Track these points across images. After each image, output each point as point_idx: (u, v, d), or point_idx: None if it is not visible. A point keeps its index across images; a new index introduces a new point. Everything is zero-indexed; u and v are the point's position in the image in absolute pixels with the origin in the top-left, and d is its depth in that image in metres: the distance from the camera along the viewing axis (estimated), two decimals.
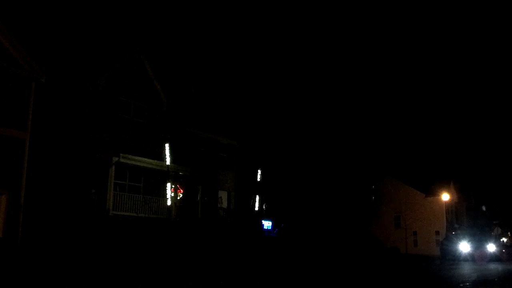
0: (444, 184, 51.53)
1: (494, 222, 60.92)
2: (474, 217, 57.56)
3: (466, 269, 26.07)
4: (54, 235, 19.49)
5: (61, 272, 15.87)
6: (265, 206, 32.67)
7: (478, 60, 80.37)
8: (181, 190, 28.51)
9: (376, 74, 74.58)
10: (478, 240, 36.39)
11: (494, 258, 36.10)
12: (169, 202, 26.37)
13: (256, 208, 32.19)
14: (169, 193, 26.48)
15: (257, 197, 32.20)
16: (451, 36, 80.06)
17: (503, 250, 40.70)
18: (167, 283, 14.60)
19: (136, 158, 24.98)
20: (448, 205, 51.92)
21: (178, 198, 28.10)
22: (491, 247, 37.63)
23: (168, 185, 26.41)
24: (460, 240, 36.88)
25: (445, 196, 48.31)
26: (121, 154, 23.91)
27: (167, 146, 26.32)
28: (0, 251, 15.57)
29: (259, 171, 32.82)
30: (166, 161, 26.33)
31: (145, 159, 25.50)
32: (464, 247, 35.76)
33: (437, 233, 50.12)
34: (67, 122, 24.37)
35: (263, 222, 31.61)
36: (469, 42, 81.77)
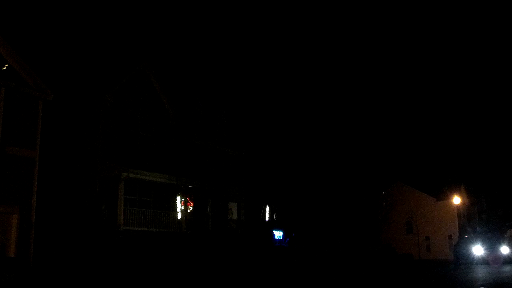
0: (455, 187, 51.20)
1: (507, 224, 60.39)
2: (487, 220, 57.10)
3: (481, 273, 25.83)
4: (66, 253, 19.55)
5: None
6: (275, 216, 32.62)
7: (488, 63, 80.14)
8: (191, 203, 28.53)
9: (385, 79, 74.50)
10: (492, 243, 36.03)
11: (508, 260, 35.72)
12: (179, 216, 26.39)
13: (267, 219, 32.16)
14: (179, 206, 26.51)
15: (267, 207, 32.18)
16: (464, 38, 79.93)
17: None
18: None
19: (145, 172, 25.04)
20: (459, 208, 51.55)
21: (188, 211, 28.11)
22: (505, 250, 37.25)
23: (178, 198, 26.44)
24: (473, 243, 36.53)
25: (457, 200, 47.98)
26: (130, 169, 23.97)
27: (175, 159, 26.41)
28: (13, 271, 15.61)
29: (268, 181, 32.80)
30: (175, 174, 26.38)
31: (155, 173, 25.56)
32: (478, 250, 35.42)
33: (450, 237, 49.75)
34: (76, 139, 24.50)
35: (274, 232, 31.56)
36: (481, 45, 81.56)
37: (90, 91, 25.26)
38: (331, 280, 21.57)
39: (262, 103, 37.76)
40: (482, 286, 18.45)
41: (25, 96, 18.81)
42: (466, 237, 40.71)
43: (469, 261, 34.28)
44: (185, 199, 27.66)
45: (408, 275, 25.47)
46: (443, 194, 50.88)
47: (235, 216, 32.83)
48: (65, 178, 23.58)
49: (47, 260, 18.46)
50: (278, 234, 31.60)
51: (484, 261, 34.07)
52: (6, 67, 18.22)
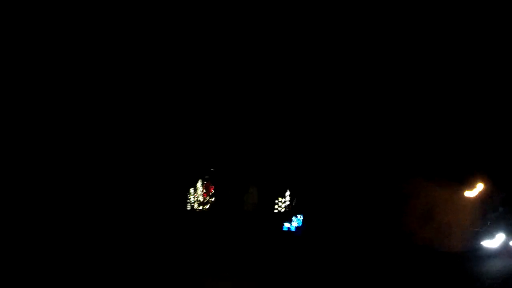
0: (477, 177, 50.61)
1: None
2: (510, 209, 56.51)
3: (498, 266, 25.74)
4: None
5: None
6: (295, 202, 32.76)
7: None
8: (212, 187, 28.87)
9: (401, 71, 73.27)
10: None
11: None
12: (200, 198, 26.75)
13: (287, 203, 32.28)
14: (200, 189, 26.87)
15: (288, 193, 32.28)
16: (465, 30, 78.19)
17: None
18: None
19: None
20: (481, 198, 51.05)
21: (210, 194, 28.45)
22: None
23: (199, 181, 26.79)
24: (495, 233, 36.29)
25: (479, 189, 47.51)
26: None
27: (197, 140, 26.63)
28: None
29: (290, 168, 32.84)
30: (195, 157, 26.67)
31: None
32: (497, 241, 35.22)
33: (469, 227, 49.38)
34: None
35: (293, 218, 31.71)
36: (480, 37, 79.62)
37: None
38: (344, 269, 21.75)
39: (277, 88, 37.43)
40: (497, 279, 18.51)
41: None
42: (486, 228, 40.40)
43: (488, 253, 34.10)
44: (206, 182, 27.98)
45: (426, 266, 25.55)
46: (464, 184, 50.38)
47: (255, 200, 33.06)
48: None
49: None
50: (296, 221, 31.73)
51: (503, 253, 33.85)
52: None
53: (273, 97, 37.26)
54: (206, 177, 28.57)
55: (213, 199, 29.15)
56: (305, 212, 33.30)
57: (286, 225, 31.59)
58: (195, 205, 27.20)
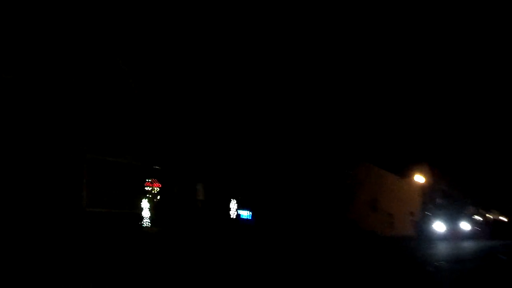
0: (418, 166, 52.24)
1: (467, 201, 62.10)
2: (448, 197, 58.60)
3: (441, 248, 26.65)
4: (26, 234, 19.28)
5: (30, 271, 15.75)
6: (242, 195, 32.84)
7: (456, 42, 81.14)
8: (158, 184, 28.46)
9: (350, 57, 74.77)
10: (452, 219, 37.21)
11: (468, 236, 36.98)
12: (145, 197, 26.33)
13: (234, 198, 32.36)
14: (144, 187, 26.43)
15: (234, 187, 32.36)
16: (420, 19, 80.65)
17: (477, 228, 41.67)
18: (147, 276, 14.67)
19: (111, 153, 24.79)
20: (422, 186, 52.73)
21: (155, 192, 28.05)
22: (465, 226, 38.50)
23: (144, 179, 26.33)
24: (435, 219, 37.60)
25: (420, 178, 49.04)
26: (94, 150, 23.70)
27: (142, 139, 26.17)
28: None
29: (235, 161, 32.90)
30: (141, 155, 26.19)
31: (120, 154, 25.33)
32: (439, 226, 36.50)
33: (412, 214, 50.89)
34: (38, 117, 23.97)
35: (240, 211, 31.81)
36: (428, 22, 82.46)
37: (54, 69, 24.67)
38: (293, 255, 21.91)
39: (222, 79, 37.37)
40: (442, 261, 19.05)
41: None
42: (428, 214, 41.81)
43: (430, 237, 35.29)
44: (151, 180, 27.57)
45: (370, 250, 26.07)
46: (406, 172, 51.86)
47: (202, 197, 32.89)
48: (25, 158, 23.12)
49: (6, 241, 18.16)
50: (244, 213, 31.87)
51: (445, 237, 35.15)
52: None
53: (220, 96, 37.21)
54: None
55: (158, 196, 28.83)
56: (252, 205, 33.53)
57: (244, 213, 31.80)
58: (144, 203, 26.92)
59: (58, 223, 20.80)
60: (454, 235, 35.27)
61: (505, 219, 55.63)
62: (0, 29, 23.54)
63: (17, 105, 22.94)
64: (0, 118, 20.15)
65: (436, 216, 38.76)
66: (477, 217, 58.02)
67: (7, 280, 13.41)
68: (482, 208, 62.73)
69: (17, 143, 22.34)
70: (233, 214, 32.33)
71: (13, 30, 24.28)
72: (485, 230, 40.37)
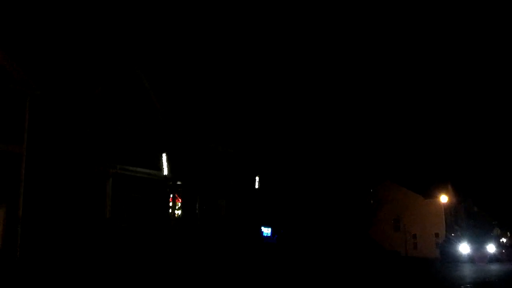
0: (442, 186, 51.62)
1: (493, 222, 60.97)
2: (473, 218, 57.67)
3: (466, 271, 26.08)
4: (54, 247, 19.48)
5: (58, 283, 15.88)
6: (264, 212, 32.68)
7: (476, 61, 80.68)
8: (180, 200, 28.51)
9: (372, 77, 74.80)
10: (478, 241, 36.45)
11: (494, 258, 36.13)
12: (167, 212, 26.39)
13: (256, 215, 32.21)
14: (167, 202, 26.50)
15: (256, 204, 32.24)
16: (448, 36, 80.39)
17: (503, 251, 40.77)
18: None
19: (134, 169, 24.98)
20: (447, 207, 51.99)
21: (177, 207, 28.09)
22: (491, 248, 37.67)
23: (166, 194, 26.43)
24: (459, 241, 36.92)
25: (444, 198, 48.36)
26: (118, 165, 23.91)
27: (164, 156, 26.36)
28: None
29: (257, 178, 32.84)
30: (163, 171, 26.34)
31: (143, 169, 25.50)
32: (464, 248, 35.78)
33: (437, 235, 50.16)
34: (63, 135, 24.35)
35: (263, 228, 31.61)
36: (467, 43, 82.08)
37: (80, 86, 25.13)
38: (317, 275, 21.69)
39: (250, 100, 37.75)
40: (468, 284, 18.62)
41: (12, 91, 18.68)
42: (453, 235, 41.15)
43: (455, 259, 34.60)
44: (174, 195, 27.64)
45: (393, 271, 25.64)
46: (430, 192, 51.27)
47: (224, 213, 32.88)
48: (53, 173, 23.44)
49: (35, 253, 18.40)
50: (266, 231, 31.66)
51: (470, 260, 34.42)
52: None
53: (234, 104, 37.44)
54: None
55: (179, 211, 28.90)
56: (273, 223, 33.34)
57: (265, 230, 31.64)
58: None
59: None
60: (480, 257, 34.49)
61: None
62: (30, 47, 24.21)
63: (45, 122, 23.42)
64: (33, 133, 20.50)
65: (461, 237, 38.04)
66: (503, 239, 56.90)
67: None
68: (509, 230, 61.47)
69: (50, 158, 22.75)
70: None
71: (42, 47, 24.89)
72: None
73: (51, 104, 24.03)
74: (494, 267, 29.31)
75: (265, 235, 31.44)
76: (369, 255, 34.41)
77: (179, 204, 28.46)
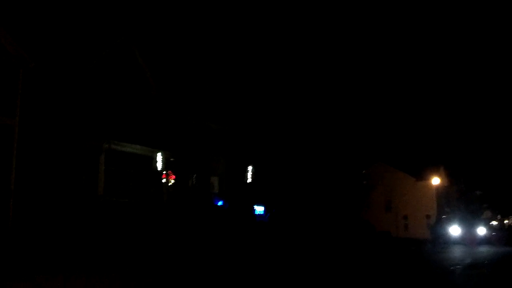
0: (434, 168, 51.78)
1: (484, 205, 61.44)
2: (465, 201, 58.01)
3: (457, 253, 26.27)
4: (46, 221, 19.43)
5: (49, 256, 15.86)
6: (256, 192, 32.72)
7: (469, 44, 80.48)
8: (173, 176, 28.45)
9: (365, 59, 74.47)
10: (469, 224, 36.70)
11: (485, 241, 36.43)
12: (161, 188, 26.37)
13: (248, 194, 32.25)
14: (160, 179, 26.44)
15: (249, 183, 32.28)
16: (441, 22, 79.96)
17: (493, 233, 41.09)
18: (157, 268, 14.63)
19: (127, 144, 24.88)
20: (438, 189, 52.24)
21: (170, 184, 28.04)
22: (481, 230, 37.96)
23: (159, 171, 26.36)
24: (450, 223, 37.13)
25: (436, 180, 48.54)
26: (111, 141, 23.79)
27: (157, 132, 26.24)
28: None
29: (250, 157, 32.82)
30: (157, 147, 26.25)
31: (136, 145, 25.40)
32: (455, 230, 36.02)
33: (428, 217, 50.49)
34: (57, 108, 24.17)
35: (255, 207, 31.66)
36: (461, 28, 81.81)
37: (72, 60, 24.87)
38: (307, 253, 21.78)
39: (243, 80, 37.56)
40: (458, 266, 18.76)
41: (5, 64, 18.44)
42: (444, 217, 41.38)
43: (446, 241, 34.84)
44: (167, 172, 27.58)
45: (384, 252, 25.79)
46: (422, 175, 51.46)
47: (216, 190, 32.91)
48: (45, 148, 23.31)
49: (27, 227, 18.36)
50: (259, 209, 31.71)
51: (461, 241, 34.67)
52: None
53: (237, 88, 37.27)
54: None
55: (172, 188, 28.85)
56: (266, 202, 33.41)
57: (258, 209, 31.70)
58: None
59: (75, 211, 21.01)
60: (470, 239, 34.77)
61: None
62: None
63: (38, 95, 23.20)
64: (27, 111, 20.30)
65: (452, 219, 38.28)
66: (494, 222, 57.41)
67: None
68: (499, 213, 62.02)
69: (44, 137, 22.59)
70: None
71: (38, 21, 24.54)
72: (502, 235, 39.74)
73: (44, 77, 23.80)
74: (484, 249, 29.56)
75: (258, 213, 31.49)
76: (361, 235, 34.58)
77: (172, 181, 28.41)
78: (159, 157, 26.41)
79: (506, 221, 62.93)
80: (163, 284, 12.49)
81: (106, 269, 14.46)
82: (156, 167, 26.49)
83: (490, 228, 45.52)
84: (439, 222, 39.32)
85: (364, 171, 45.22)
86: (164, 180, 26.69)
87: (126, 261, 16.23)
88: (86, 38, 27.07)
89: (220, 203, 30.74)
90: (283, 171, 36.78)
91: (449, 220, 38.48)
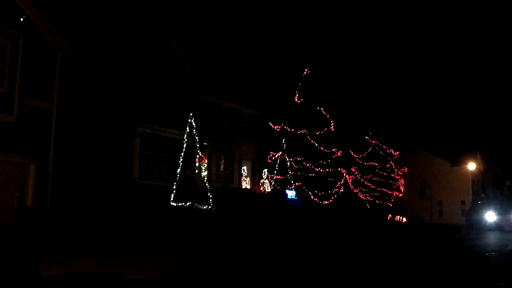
0: (470, 153, 50.83)
1: None
2: (501, 187, 56.83)
3: (492, 238, 25.90)
4: (82, 204, 19.92)
5: (86, 239, 16.31)
6: (289, 176, 32.76)
7: (503, 27, 78.17)
8: (206, 160, 28.68)
9: (401, 50, 73.26)
10: (504, 210, 35.99)
11: None
12: (193, 172, 26.61)
13: (281, 178, 32.34)
14: (194, 163, 26.68)
15: (281, 168, 32.32)
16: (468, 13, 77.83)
17: None
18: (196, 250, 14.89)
19: (161, 128, 25.15)
20: (474, 174, 51.30)
21: (203, 167, 28.29)
22: None
23: (193, 155, 26.59)
24: (486, 209, 36.51)
25: (471, 166, 47.67)
26: (146, 125, 24.08)
27: (191, 116, 26.42)
28: (30, 219, 16.01)
29: (283, 141, 32.80)
30: (190, 131, 26.47)
31: (170, 129, 25.66)
32: (490, 216, 35.43)
33: (463, 202, 49.71)
34: (93, 93, 24.61)
35: (287, 191, 31.76)
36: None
37: (107, 45, 25.22)
38: (339, 237, 21.78)
39: (276, 64, 37.43)
40: (493, 252, 18.51)
41: (43, 49, 18.78)
42: (479, 203, 40.65)
43: (481, 227, 34.35)
44: (200, 156, 27.81)
45: (419, 238, 25.59)
46: (458, 160, 50.58)
47: (248, 175, 33.10)
48: (82, 132, 23.81)
49: (64, 210, 18.85)
50: (291, 194, 31.80)
51: (496, 227, 34.11)
52: (23, 18, 18.14)
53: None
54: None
55: (205, 172, 29.04)
56: (298, 186, 33.48)
57: (290, 193, 31.84)
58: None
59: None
60: (506, 225, 34.15)
61: None
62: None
63: (75, 79, 23.61)
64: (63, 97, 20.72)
65: (488, 206, 37.61)
66: None
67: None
68: None
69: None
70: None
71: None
72: None
73: (81, 62, 24.22)
74: None
75: (290, 197, 31.59)
76: (393, 220, 34.37)
77: (205, 165, 28.65)
78: (192, 141, 26.63)
79: None
80: (203, 262, 12.73)
81: (142, 250, 14.79)
82: (189, 151, 26.73)
83: None
84: (474, 208, 38.69)
85: (397, 155, 44.65)
86: (197, 164, 26.92)
87: (159, 243, 16.53)
88: (121, 23, 27.38)
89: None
90: (314, 155, 36.65)
91: (485, 206, 37.81)
